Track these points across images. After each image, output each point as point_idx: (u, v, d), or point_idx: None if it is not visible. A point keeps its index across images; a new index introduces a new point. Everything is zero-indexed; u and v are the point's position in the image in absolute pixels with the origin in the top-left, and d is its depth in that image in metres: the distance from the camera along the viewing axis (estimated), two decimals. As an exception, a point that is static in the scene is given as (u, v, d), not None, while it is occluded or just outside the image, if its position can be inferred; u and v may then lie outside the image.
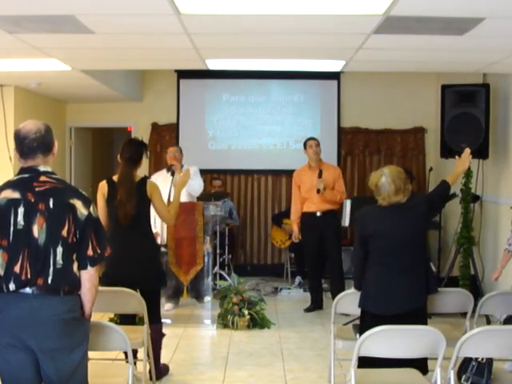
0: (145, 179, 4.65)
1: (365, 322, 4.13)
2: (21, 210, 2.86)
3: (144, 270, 4.58)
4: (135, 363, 4.17)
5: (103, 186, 4.68)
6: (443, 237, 8.00)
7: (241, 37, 4.71)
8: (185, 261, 6.38)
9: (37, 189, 2.91)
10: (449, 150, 6.93)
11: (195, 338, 6.08)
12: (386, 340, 3.43)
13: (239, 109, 9.26)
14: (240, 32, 4.52)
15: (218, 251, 7.81)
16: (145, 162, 5.01)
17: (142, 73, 9.20)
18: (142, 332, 4.30)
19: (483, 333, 3.38)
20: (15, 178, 2.99)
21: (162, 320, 4.89)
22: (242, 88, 9.25)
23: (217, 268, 7.63)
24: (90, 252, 2.93)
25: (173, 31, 4.38)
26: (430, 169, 8.23)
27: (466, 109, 6.74)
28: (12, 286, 2.84)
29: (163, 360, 4.90)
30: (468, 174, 6.84)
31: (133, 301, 4.26)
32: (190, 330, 6.24)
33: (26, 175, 2.96)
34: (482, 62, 5.57)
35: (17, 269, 2.84)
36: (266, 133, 9.26)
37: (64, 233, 2.88)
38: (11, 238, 2.86)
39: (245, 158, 9.27)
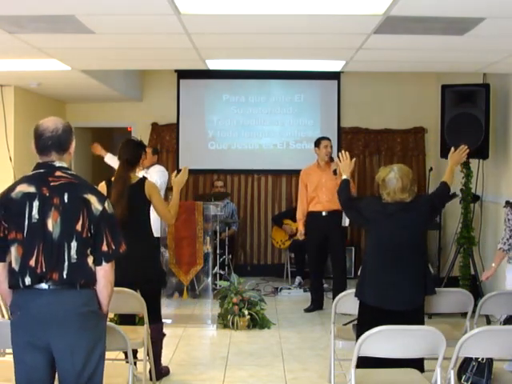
0: (143, 180, 4.64)
1: (363, 314, 4.17)
2: (36, 204, 2.88)
3: (144, 271, 4.57)
4: (135, 363, 4.17)
5: (102, 188, 4.67)
6: (443, 237, 8.00)
7: (241, 37, 4.70)
8: (185, 261, 6.38)
9: (52, 183, 2.93)
10: (449, 150, 6.89)
11: (195, 338, 6.08)
12: (386, 340, 3.43)
13: (239, 109, 9.26)
14: (240, 32, 4.52)
15: (218, 251, 7.82)
16: (145, 162, 5.01)
17: (142, 73, 9.20)
18: (142, 332, 4.30)
19: (483, 333, 3.38)
20: (31, 172, 3.01)
21: (163, 320, 4.89)
22: (242, 88, 9.25)
23: (217, 268, 7.64)
24: (104, 248, 2.94)
25: (173, 31, 4.38)
26: (430, 169, 8.23)
27: (465, 109, 6.74)
28: (28, 280, 2.84)
29: (163, 360, 4.91)
30: (468, 174, 6.85)
31: (133, 301, 4.26)
32: (190, 330, 6.24)
33: (42, 170, 2.98)
34: (482, 62, 5.57)
35: (32, 262, 2.85)
36: (266, 133, 9.26)
37: (78, 227, 2.90)
38: (26, 231, 2.87)
39: (245, 157, 9.27)
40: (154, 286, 4.71)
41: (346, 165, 4.61)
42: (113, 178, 4.67)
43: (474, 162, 6.90)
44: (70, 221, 2.89)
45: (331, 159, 6.94)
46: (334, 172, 6.83)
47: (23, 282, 2.85)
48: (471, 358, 3.71)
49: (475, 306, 4.42)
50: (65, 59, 5.59)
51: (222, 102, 9.25)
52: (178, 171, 4.90)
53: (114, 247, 2.96)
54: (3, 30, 4.31)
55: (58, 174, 2.96)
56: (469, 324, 4.36)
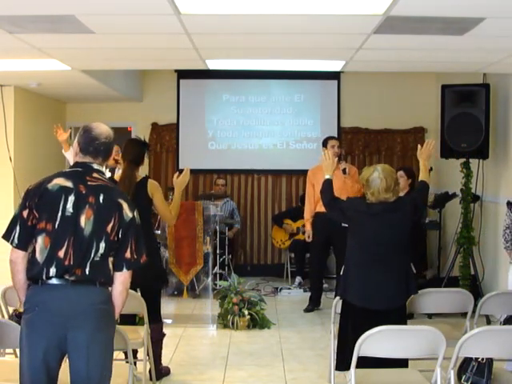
0: (146, 179, 4.65)
1: (346, 312, 4.19)
2: (71, 199, 2.93)
3: (144, 271, 4.54)
4: (135, 363, 4.17)
5: None
6: (443, 237, 8.00)
7: (241, 37, 4.70)
8: (185, 261, 6.38)
9: (89, 183, 2.98)
10: (449, 150, 6.93)
11: (195, 338, 6.08)
12: (386, 340, 3.43)
13: (239, 109, 9.26)
14: (240, 32, 4.52)
15: (218, 251, 7.82)
16: (145, 162, 5.02)
17: (142, 73, 9.20)
18: (142, 332, 4.30)
19: (483, 333, 3.38)
20: (68, 169, 3.08)
21: (163, 320, 4.89)
22: (242, 88, 9.25)
23: (217, 268, 7.64)
24: (128, 255, 2.99)
25: (173, 31, 4.38)
26: (430, 169, 8.14)
27: (465, 109, 6.74)
28: (52, 271, 2.86)
29: (163, 360, 4.91)
30: (468, 174, 6.85)
31: (133, 301, 4.26)
32: (190, 330, 6.24)
33: (80, 169, 3.04)
34: (482, 62, 5.57)
35: (61, 254, 2.87)
36: (266, 133, 9.26)
37: (108, 229, 2.93)
38: (58, 223, 2.90)
39: (245, 157, 9.27)
40: (154, 286, 4.71)
41: (328, 164, 4.60)
42: (115, 177, 4.69)
43: (474, 162, 6.90)
44: (102, 221, 2.93)
45: (339, 159, 6.90)
46: (344, 171, 6.81)
47: (47, 272, 2.86)
48: (471, 358, 3.71)
49: (475, 306, 4.42)
50: (65, 59, 5.59)
51: (222, 102, 9.26)
52: (180, 172, 4.90)
53: (136, 256, 3.01)
54: (3, 30, 4.31)
55: (95, 175, 3.02)
56: (469, 324, 4.36)
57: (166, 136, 9.36)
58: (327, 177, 4.51)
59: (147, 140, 8.97)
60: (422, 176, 4.45)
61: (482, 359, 3.69)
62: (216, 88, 9.24)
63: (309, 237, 7.07)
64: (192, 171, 5.30)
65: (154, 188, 4.62)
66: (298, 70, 7.13)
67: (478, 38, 4.46)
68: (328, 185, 4.47)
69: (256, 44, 5.00)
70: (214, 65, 5.94)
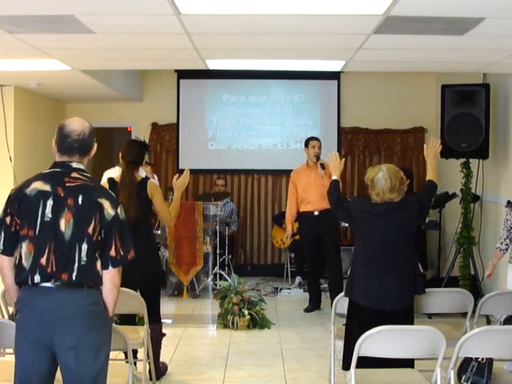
0: (146, 180, 4.65)
1: (352, 313, 4.18)
2: (49, 203, 2.89)
3: (144, 271, 4.57)
4: (135, 363, 4.17)
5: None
6: (443, 237, 8.00)
7: (241, 37, 4.70)
8: (185, 261, 6.38)
9: (67, 184, 2.94)
10: (449, 150, 6.92)
11: (195, 338, 6.08)
12: (386, 340, 3.43)
13: (239, 109, 9.26)
14: (240, 32, 4.52)
15: (218, 251, 7.82)
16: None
17: (142, 73, 9.20)
18: (142, 332, 4.30)
19: (483, 333, 3.38)
20: (48, 170, 3.02)
21: (162, 320, 4.89)
22: (242, 88, 9.25)
23: (217, 268, 7.64)
24: (112, 253, 2.94)
25: (173, 31, 4.38)
26: (431, 169, 8.20)
27: (465, 109, 6.74)
28: (37, 278, 2.85)
29: (163, 359, 4.91)
30: (468, 174, 6.85)
31: (133, 301, 4.26)
32: (190, 330, 6.24)
33: (59, 169, 2.99)
34: (482, 62, 5.57)
35: (43, 261, 2.86)
36: (266, 133, 9.27)
37: (90, 230, 2.90)
38: (38, 229, 2.88)
39: (245, 157, 9.27)
40: (154, 286, 4.71)
41: (335, 166, 4.62)
42: (116, 178, 4.69)
43: (474, 162, 6.90)
44: (82, 223, 2.90)
45: (322, 166, 6.87)
46: (322, 166, 6.82)
47: (32, 279, 2.85)
48: (471, 358, 3.72)
49: (475, 306, 4.42)
50: (65, 59, 5.59)
51: (221, 102, 9.26)
52: (180, 172, 4.90)
53: (122, 253, 2.97)
54: (3, 30, 4.31)
55: (74, 175, 2.97)
56: (469, 324, 4.36)
57: (166, 136, 9.36)
58: (334, 177, 4.54)
59: (147, 140, 8.98)
60: (429, 175, 4.44)
61: (482, 359, 3.69)
62: (216, 88, 9.24)
63: (287, 237, 7.25)
64: (192, 171, 5.31)
65: (153, 189, 4.63)
66: (298, 70, 7.14)
67: (478, 38, 4.46)
68: (335, 185, 4.49)
69: (256, 44, 5.00)
70: (213, 65, 5.94)
